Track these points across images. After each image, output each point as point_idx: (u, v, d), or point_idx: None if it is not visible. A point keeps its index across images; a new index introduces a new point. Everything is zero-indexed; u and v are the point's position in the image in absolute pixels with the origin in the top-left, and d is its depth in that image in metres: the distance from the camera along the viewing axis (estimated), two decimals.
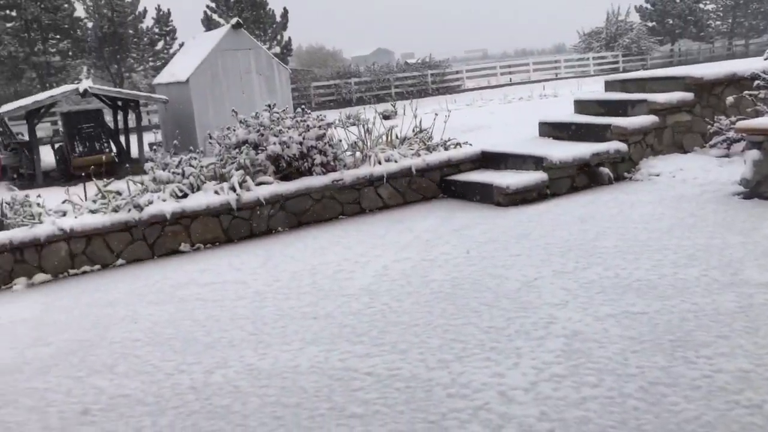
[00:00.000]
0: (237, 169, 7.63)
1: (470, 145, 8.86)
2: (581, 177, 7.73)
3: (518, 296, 4.51)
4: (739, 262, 4.64)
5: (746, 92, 7.89)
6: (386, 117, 18.52)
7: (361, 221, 7.46)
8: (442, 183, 8.33)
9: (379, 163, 8.11)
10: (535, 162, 7.72)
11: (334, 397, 3.41)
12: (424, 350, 3.83)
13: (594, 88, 18.42)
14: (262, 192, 7.42)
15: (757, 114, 7.63)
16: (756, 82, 7.84)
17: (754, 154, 6.32)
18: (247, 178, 7.52)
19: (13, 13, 32.03)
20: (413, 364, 3.67)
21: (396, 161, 8.17)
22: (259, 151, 7.80)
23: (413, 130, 9.15)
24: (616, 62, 41.19)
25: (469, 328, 4.07)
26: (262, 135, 7.83)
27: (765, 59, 9.11)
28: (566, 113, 9.65)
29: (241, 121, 8.10)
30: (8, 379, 4.14)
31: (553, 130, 8.99)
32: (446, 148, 8.71)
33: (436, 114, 9.44)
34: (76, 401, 3.72)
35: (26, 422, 3.54)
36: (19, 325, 5.18)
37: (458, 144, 8.83)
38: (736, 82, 8.39)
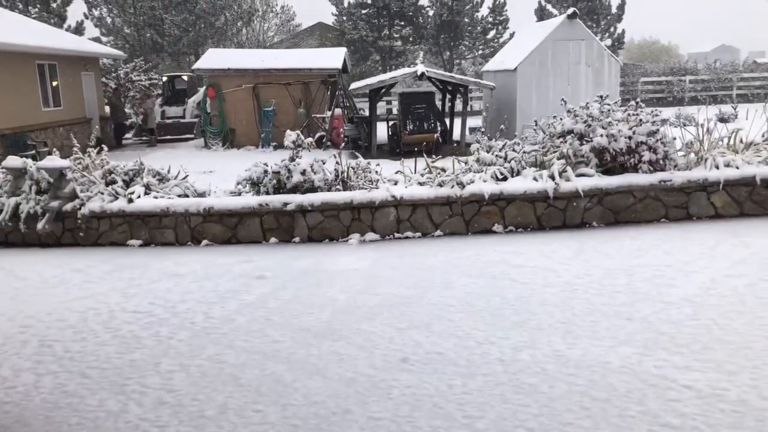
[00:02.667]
0: (558, 158, 7.60)
1: None
2: None
3: None
4: None
5: None
6: (723, 120, 16.75)
7: (686, 227, 6.89)
8: None
9: (717, 167, 7.38)
10: None
11: (646, 402, 3.25)
12: (758, 377, 3.43)
13: None
14: (582, 184, 7.28)
15: None
16: None
17: None
18: (568, 168, 7.44)
19: (369, 1, 35.86)
20: (742, 389, 3.31)
21: (737, 167, 7.35)
22: (584, 143, 7.65)
23: (762, 136, 8.12)
24: None
25: None
26: (590, 126, 7.66)
27: None
28: None
29: (568, 111, 8.02)
30: (342, 317, 4.74)
31: None
32: None
33: None
34: (397, 349, 4.12)
35: (356, 357, 4.03)
36: (353, 273, 5.87)
37: None
38: None
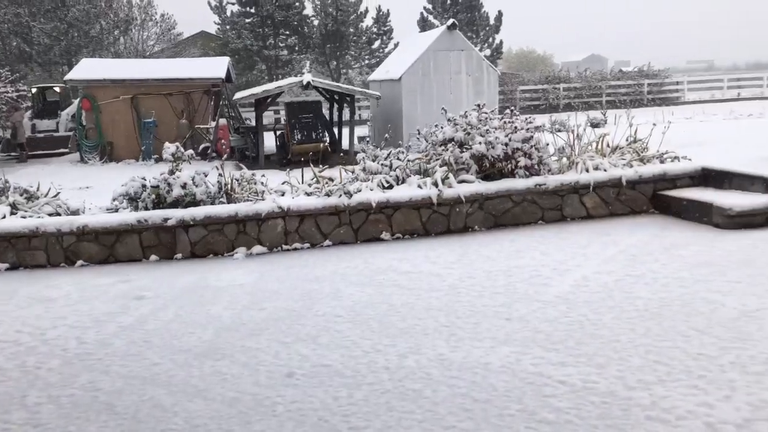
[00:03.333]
0: (441, 166, 7.79)
1: (689, 160, 8.23)
2: None
3: (735, 326, 4.12)
4: None
5: None
6: (594, 125, 17.72)
7: (561, 228, 7.26)
8: (654, 197, 7.83)
9: (587, 170, 7.83)
10: (765, 184, 6.98)
11: (524, 400, 3.37)
12: (623, 368, 3.64)
13: None
14: (463, 190, 7.50)
15: None
16: None
17: None
18: (450, 175, 7.64)
19: (253, 10, 35.36)
20: (610, 380, 3.51)
21: (605, 170, 7.82)
22: (464, 150, 7.89)
23: (626, 140, 8.70)
24: None
25: (675, 352, 3.80)
26: (469, 134, 7.91)
27: None
28: None
29: (449, 119, 8.25)
30: (226, 335, 4.61)
31: None
32: (662, 161, 8.17)
33: (654, 125, 8.88)
34: (282, 364, 4.05)
35: (239, 376, 3.92)
36: (238, 289, 5.74)
37: (676, 158, 8.25)
38: None
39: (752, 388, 3.32)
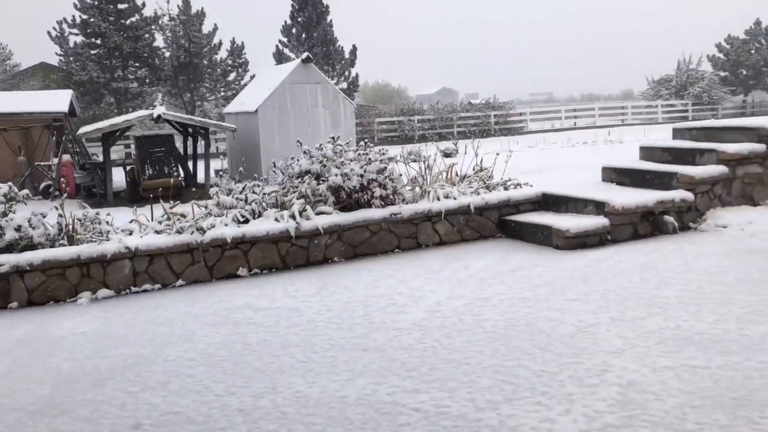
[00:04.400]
0: (298, 198, 7.78)
1: (531, 186, 8.79)
2: (644, 225, 7.55)
3: (573, 341, 4.41)
4: None
5: None
6: (447, 155, 18.58)
7: (417, 256, 7.46)
8: (500, 222, 8.27)
9: (438, 199, 8.13)
10: (597, 206, 7.59)
11: (379, 431, 3.39)
12: (473, 390, 3.77)
13: (661, 136, 18.08)
14: (321, 221, 7.52)
15: None
16: None
17: None
18: (308, 207, 7.65)
19: (98, 41, 33.75)
20: (462, 403, 3.62)
21: (455, 198, 8.17)
22: (321, 182, 7.94)
23: (473, 169, 9.15)
24: (686, 111, 40.30)
25: (520, 371, 4.00)
26: (325, 166, 7.97)
27: None
28: (631, 159, 9.48)
29: (305, 152, 8.28)
30: (65, 389, 4.28)
31: (617, 175, 8.85)
32: (506, 188, 8.67)
33: (497, 154, 9.43)
34: (129, 415, 3.81)
35: None
36: (80, 337, 5.35)
37: (518, 184, 8.78)
38: None
39: (587, 399, 3.55)
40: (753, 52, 44.28)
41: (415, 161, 9.61)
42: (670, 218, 7.57)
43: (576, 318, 4.87)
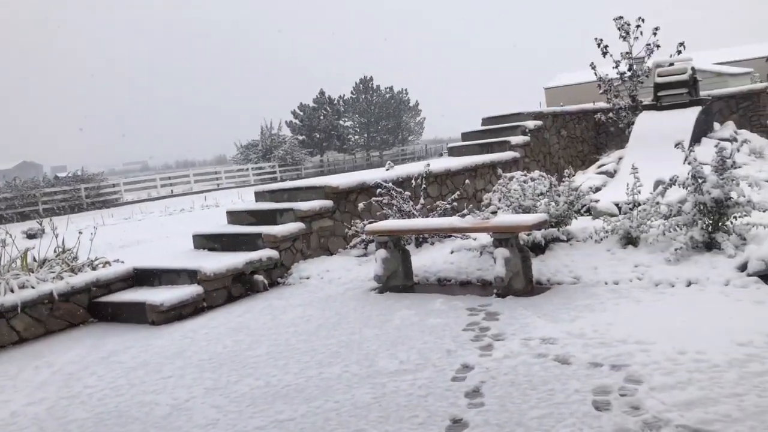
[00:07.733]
0: None
1: (122, 262, 8.40)
2: (237, 286, 7.83)
3: (167, 422, 4.26)
4: (375, 354, 5.08)
5: (373, 199, 8.98)
6: (32, 236, 16.72)
7: None
8: (91, 306, 7.67)
9: (12, 291, 7.18)
10: (190, 275, 7.61)
11: None
12: None
13: (251, 198, 19.17)
14: None
15: (386, 217, 8.70)
16: (378, 190, 8.97)
17: (381, 253, 7.14)
18: None
19: None
20: None
21: (33, 287, 7.32)
22: None
23: (55, 251, 8.36)
24: (274, 172, 43.79)
25: None
26: None
27: (386, 170, 10.51)
28: (220, 224, 9.81)
29: None
30: None
31: (208, 241, 9.05)
32: (94, 268, 8.11)
33: (81, 232, 8.80)
34: None
35: None
36: None
37: (107, 262, 8.31)
38: (365, 190, 9.49)
39: None
40: (322, 118, 50.68)
41: None
42: (260, 277, 8.01)
43: (171, 396, 4.73)
